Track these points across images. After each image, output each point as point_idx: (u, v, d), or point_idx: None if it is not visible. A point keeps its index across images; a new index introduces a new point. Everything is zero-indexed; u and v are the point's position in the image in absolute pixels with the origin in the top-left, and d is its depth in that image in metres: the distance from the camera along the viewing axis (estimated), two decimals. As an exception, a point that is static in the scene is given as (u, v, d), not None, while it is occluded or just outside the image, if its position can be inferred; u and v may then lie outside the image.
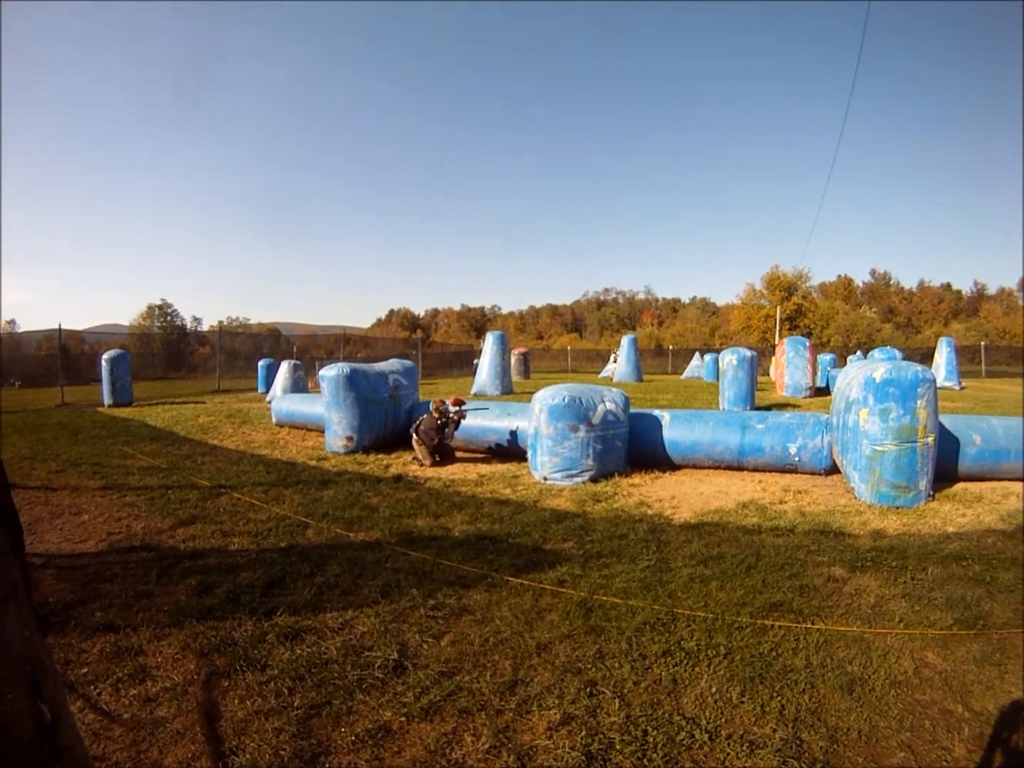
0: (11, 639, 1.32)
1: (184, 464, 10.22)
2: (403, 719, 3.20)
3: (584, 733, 3.04)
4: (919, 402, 7.06)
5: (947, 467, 8.13)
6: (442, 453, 10.31)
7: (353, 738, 3.04)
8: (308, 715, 3.24)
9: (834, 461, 8.73)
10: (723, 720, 3.16)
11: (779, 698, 3.33)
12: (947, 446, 8.09)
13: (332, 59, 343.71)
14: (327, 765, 2.87)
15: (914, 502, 7.17)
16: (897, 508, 7.07)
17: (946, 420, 8.28)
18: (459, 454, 10.75)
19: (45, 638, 4.03)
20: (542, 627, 4.20)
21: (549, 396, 8.89)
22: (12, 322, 76.58)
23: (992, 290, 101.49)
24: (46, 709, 1.36)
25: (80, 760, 1.52)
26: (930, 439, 7.14)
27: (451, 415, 10.19)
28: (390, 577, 5.12)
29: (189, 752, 2.99)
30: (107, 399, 21.61)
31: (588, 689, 3.43)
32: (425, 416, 10.40)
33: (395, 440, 11.78)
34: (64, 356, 31.05)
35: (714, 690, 3.41)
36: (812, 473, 8.99)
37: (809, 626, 4.17)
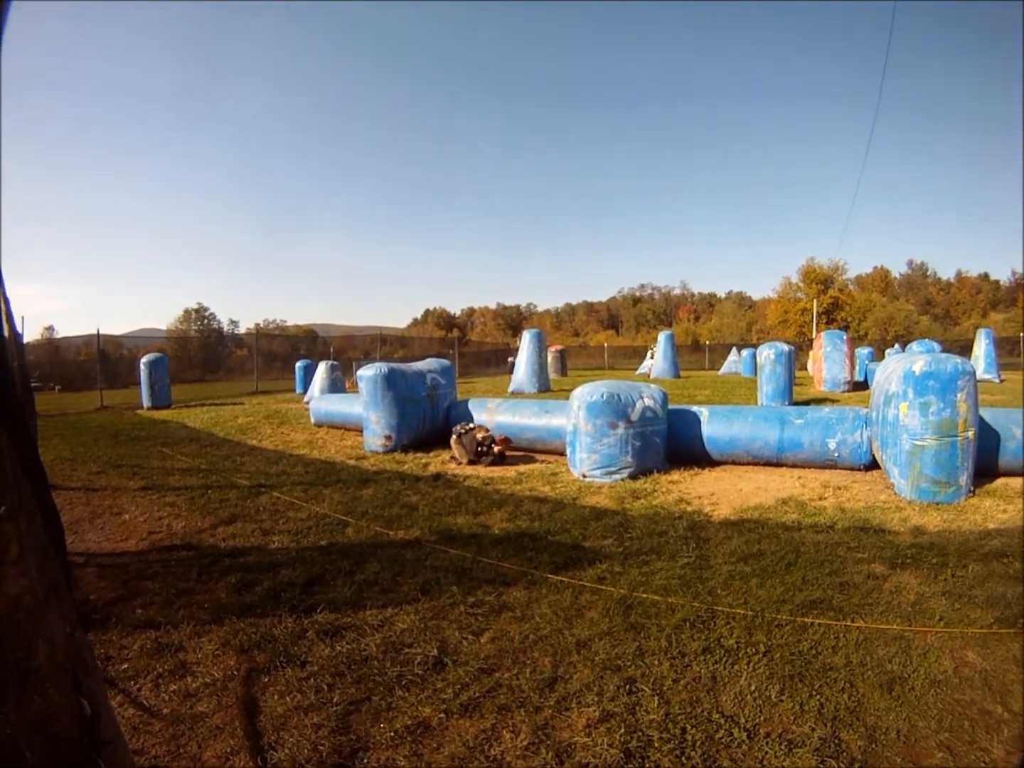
0: (53, 636, 1.35)
1: (223, 464, 10.34)
2: (442, 715, 3.20)
3: (623, 730, 3.03)
4: (959, 395, 6.96)
5: (987, 462, 7.97)
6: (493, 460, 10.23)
7: (392, 734, 3.05)
8: (347, 711, 3.25)
9: (874, 456, 8.63)
10: (762, 718, 3.14)
11: (818, 696, 3.30)
12: (987, 440, 7.94)
13: (359, 54, 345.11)
14: (366, 760, 2.88)
15: (954, 498, 7.07)
16: (937, 504, 6.97)
17: (986, 414, 8.13)
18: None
19: (86, 635, 4.08)
20: (582, 624, 4.19)
21: (587, 393, 8.88)
22: (51, 328, 77.69)
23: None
24: (86, 704, 1.39)
25: (120, 754, 1.55)
26: (970, 433, 7.04)
27: (492, 449, 10.09)
28: (430, 575, 5.14)
29: (228, 747, 3.01)
30: (146, 402, 21.93)
31: (627, 686, 3.41)
32: (474, 427, 10.38)
33: (433, 439, 11.81)
34: (103, 360, 31.48)
35: (753, 688, 3.38)
36: (852, 469, 8.90)
37: (849, 624, 4.12)
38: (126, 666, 3.81)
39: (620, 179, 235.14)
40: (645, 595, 4.62)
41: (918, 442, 7.10)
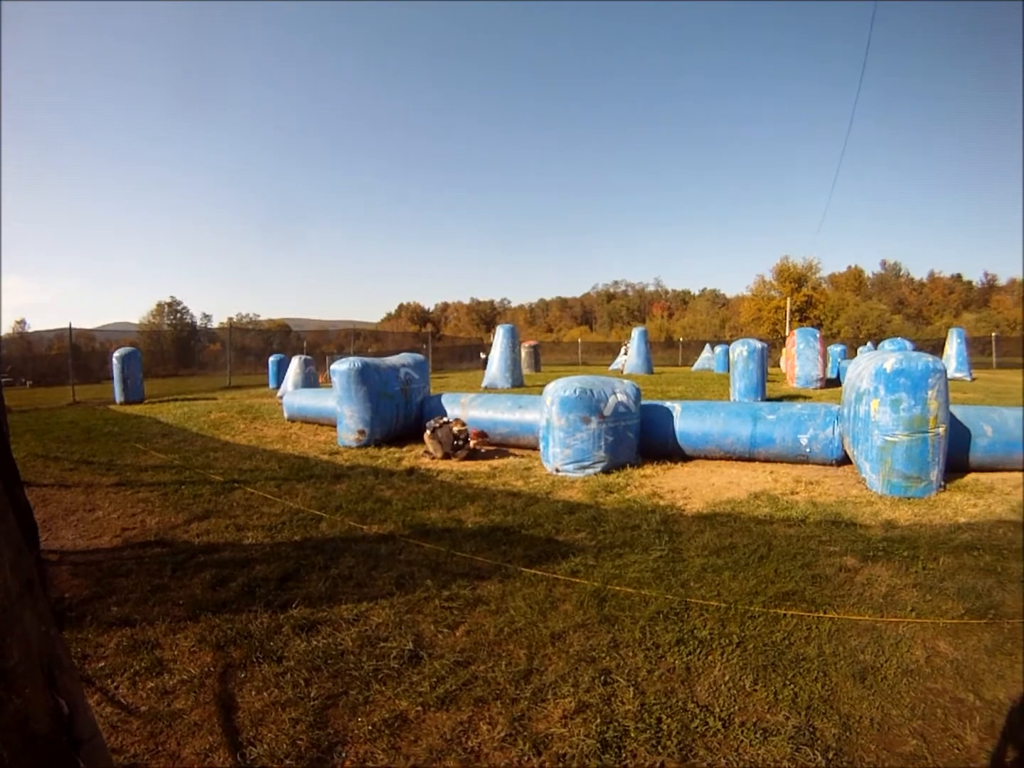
0: (28, 634, 1.36)
1: (197, 460, 10.26)
2: (419, 708, 3.22)
3: (599, 721, 3.06)
4: (930, 392, 7.05)
5: (958, 458, 8.09)
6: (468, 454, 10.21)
7: (370, 728, 3.07)
8: (325, 705, 3.27)
9: (845, 452, 8.72)
10: (736, 708, 3.18)
11: (792, 686, 3.35)
12: (958, 437, 8.06)
13: (334, 51, 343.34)
14: (344, 754, 2.90)
15: (925, 492, 7.16)
16: (908, 498, 7.06)
17: (957, 411, 8.24)
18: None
19: (61, 633, 4.06)
20: (556, 617, 4.22)
21: (561, 388, 8.91)
22: (22, 322, 76.80)
23: (1003, 281, 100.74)
24: (64, 703, 1.40)
25: (98, 752, 1.56)
26: (941, 429, 7.13)
27: (467, 443, 10.08)
28: (404, 569, 5.15)
29: (207, 743, 3.01)
30: (118, 397, 21.69)
31: (602, 678, 3.45)
32: (448, 422, 10.39)
33: (407, 433, 11.79)
34: (75, 355, 31.18)
35: (727, 678, 3.43)
36: (823, 464, 8.98)
37: (821, 615, 4.18)
38: (102, 664, 3.79)
39: (595, 175, 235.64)
40: (619, 588, 4.65)
41: (889, 438, 7.19)
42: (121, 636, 4.12)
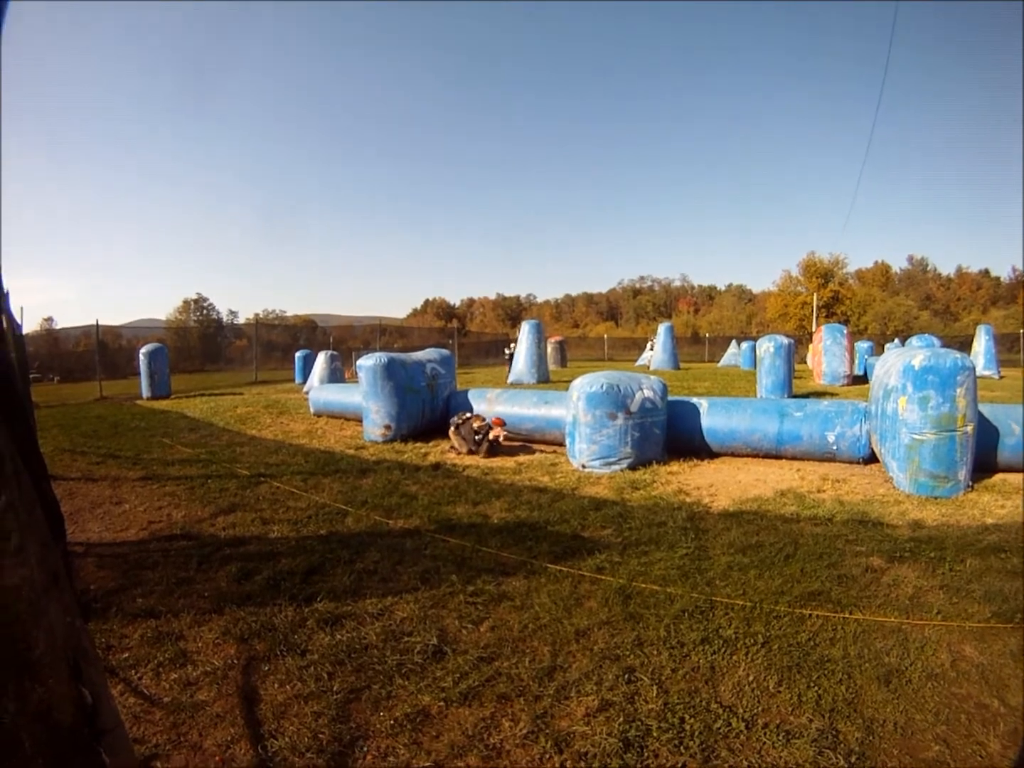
0: (53, 626, 1.36)
1: (223, 454, 10.34)
2: (441, 704, 3.21)
3: (622, 720, 3.05)
4: (958, 390, 6.97)
5: (986, 457, 7.97)
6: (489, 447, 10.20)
7: (392, 722, 3.07)
8: (347, 699, 3.27)
9: (872, 450, 8.65)
10: (760, 709, 3.15)
11: (816, 688, 3.31)
12: (986, 436, 7.95)
13: (361, 45, 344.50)
14: (365, 749, 2.90)
15: (953, 492, 7.08)
16: (936, 498, 6.99)
17: (985, 409, 8.12)
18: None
19: (87, 624, 4.10)
20: (581, 614, 4.21)
21: (587, 384, 8.90)
22: (50, 319, 77.39)
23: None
24: (87, 693, 1.40)
25: (120, 742, 1.56)
26: (969, 428, 7.05)
27: (488, 437, 10.06)
28: (429, 564, 5.16)
29: (228, 735, 3.03)
30: (145, 392, 21.88)
31: (626, 676, 3.43)
32: (470, 417, 10.41)
33: (433, 428, 11.81)
34: (102, 351, 31.38)
35: (751, 679, 3.40)
36: (850, 462, 8.91)
37: (847, 616, 4.14)
38: (127, 655, 3.82)
39: (621, 171, 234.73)
40: (644, 585, 4.63)
41: (917, 436, 7.11)
42: (146, 627, 4.15)
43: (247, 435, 12.52)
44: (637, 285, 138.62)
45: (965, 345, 33.61)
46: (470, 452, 10.02)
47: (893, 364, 7.74)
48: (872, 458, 8.74)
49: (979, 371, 25.29)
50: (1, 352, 1.89)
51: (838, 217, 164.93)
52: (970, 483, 7.30)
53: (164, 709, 3.25)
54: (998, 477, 7.85)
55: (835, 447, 8.85)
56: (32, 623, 1.28)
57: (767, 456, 9.39)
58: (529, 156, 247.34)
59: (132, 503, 7.39)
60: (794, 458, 9.24)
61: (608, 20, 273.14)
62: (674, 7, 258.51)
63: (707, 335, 67.26)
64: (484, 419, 10.32)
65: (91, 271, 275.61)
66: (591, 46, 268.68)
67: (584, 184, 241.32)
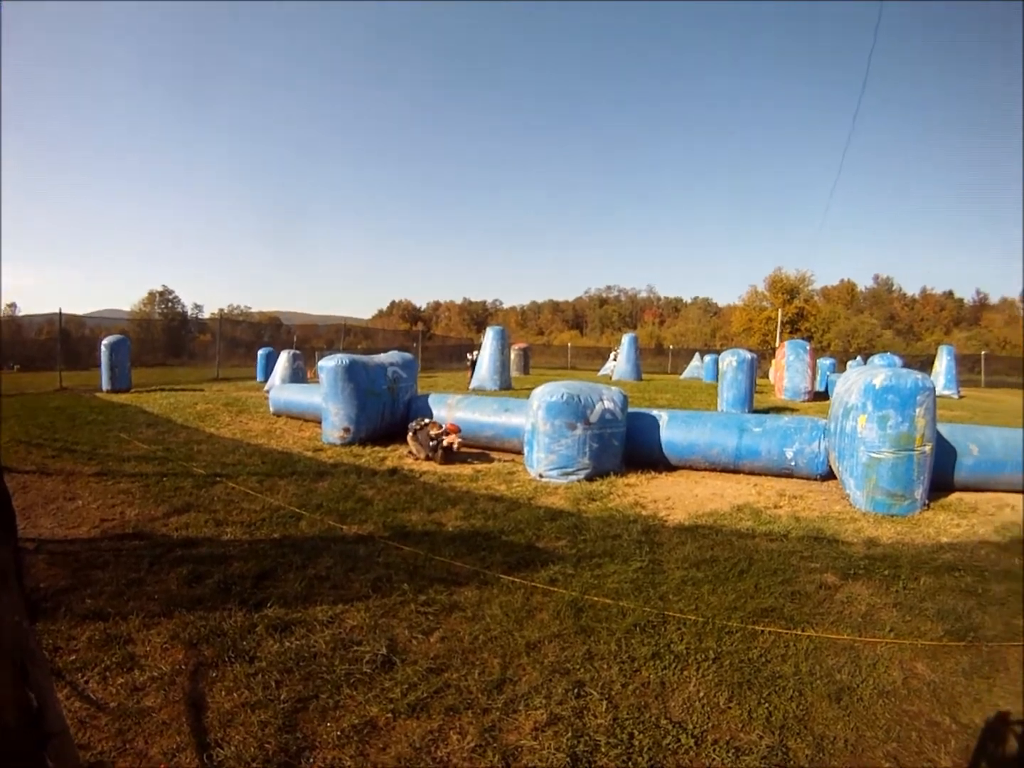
0: (0, 626, 1.33)
1: (180, 451, 10.20)
2: (389, 715, 3.19)
3: (570, 734, 3.04)
4: (918, 410, 7.06)
5: (943, 477, 8.09)
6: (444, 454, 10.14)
7: (339, 733, 3.04)
8: (295, 709, 3.24)
9: (830, 467, 8.73)
10: (710, 725, 3.16)
11: (767, 704, 3.33)
12: (944, 455, 8.06)
13: (336, 53, 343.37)
14: (312, 760, 2.87)
15: (909, 511, 7.17)
16: (892, 516, 7.08)
17: (944, 429, 8.26)
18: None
19: (35, 624, 4.06)
20: (532, 626, 4.20)
21: (547, 393, 8.90)
22: (13, 305, 76.20)
23: (994, 300, 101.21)
24: (33, 696, 1.37)
25: (65, 747, 1.53)
26: (927, 448, 7.13)
27: (442, 442, 9.99)
28: (382, 571, 5.12)
29: (174, 743, 2.98)
30: (106, 384, 21.55)
31: (576, 690, 3.43)
32: (428, 422, 10.38)
33: (392, 432, 11.73)
34: (64, 340, 30.97)
35: (702, 695, 3.41)
36: (808, 478, 8.99)
37: (799, 633, 4.17)
38: (74, 657, 3.76)
39: (590, 180, 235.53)
40: (597, 598, 4.64)
41: (875, 455, 7.20)
42: (94, 630, 4.08)
43: (205, 433, 12.38)
44: (604, 295, 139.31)
45: (927, 364, 34.30)
46: (428, 458, 9.97)
47: (854, 383, 7.83)
48: (830, 475, 8.83)
49: (939, 390, 25.71)
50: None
51: (806, 234, 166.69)
52: (927, 502, 7.40)
53: (110, 715, 3.20)
54: (954, 496, 7.97)
55: (793, 463, 8.92)
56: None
57: (725, 470, 9.45)
58: (500, 162, 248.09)
59: (86, 499, 7.28)
60: (752, 473, 9.30)
61: (584, 27, 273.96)
62: (646, 9, 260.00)
63: (671, 347, 67.73)
64: (441, 425, 10.30)
65: (57, 260, 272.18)
66: (563, 48, 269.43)
67: (553, 192, 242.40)
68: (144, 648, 3.89)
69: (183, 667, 3.67)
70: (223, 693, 3.39)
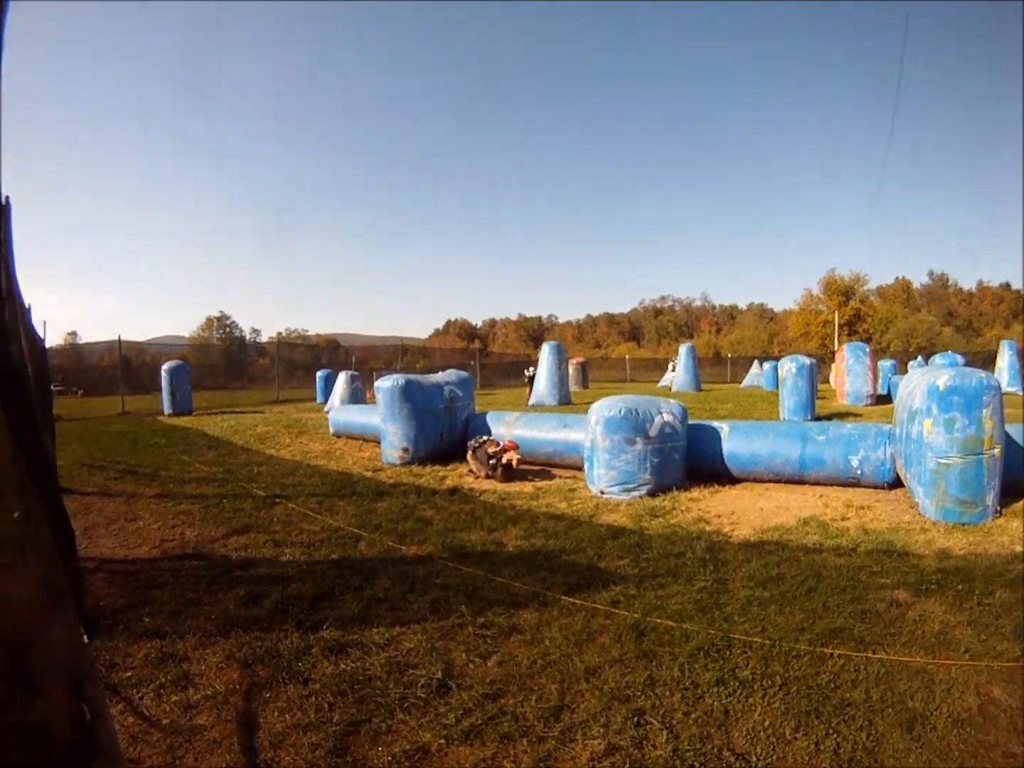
0: (54, 643, 1.38)
1: (240, 473, 10.35)
2: (442, 741, 3.12)
3: (628, 766, 2.93)
4: (985, 411, 6.81)
5: (1014, 480, 7.68)
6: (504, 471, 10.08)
7: (389, 758, 2.99)
8: (346, 732, 3.20)
9: (897, 474, 8.48)
10: (774, 758, 3.01)
11: (835, 735, 3.17)
12: (1013, 458, 7.65)
13: (388, 64, 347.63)
14: (361, 785, 2.82)
15: (981, 519, 6.91)
16: (963, 525, 6.81)
17: (1012, 429, 7.92)
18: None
19: (93, 641, 4.20)
20: (592, 650, 4.10)
21: (605, 408, 8.80)
22: (74, 334, 78.21)
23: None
24: (87, 710, 1.41)
25: (115, 762, 1.61)
26: (996, 450, 6.89)
27: (501, 460, 9.93)
28: (440, 593, 5.07)
29: (224, 761, 2.99)
30: (167, 408, 22.13)
31: (635, 718, 3.31)
32: (486, 440, 10.35)
33: (451, 451, 11.69)
34: (125, 367, 31.76)
35: (767, 724, 3.27)
36: (875, 487, 8.74)
37: (870, 655, 3.99)
38: (130, 674, 3.82)
39: (641, 190, 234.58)
40: (659, 620, 4.50)
41: (943, 460, 6.96)
42: (151, 647, 4.14)
43: (265, 454, 12.55)
44: (658, 305, 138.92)
45: (988, 361, 33.41)
46: (488, 476, 9.93)
47: (917, 384, 7.60)
48: (897, 483, 8.57)
49: (1003, 388, 24.97)
50: (14, 372, 1.88)
51: (858, 235, 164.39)
52: (998, 508, 7.11)
53: (162, 731, 3.23)
54: (1026, 501, 7.65)
55: (859, 472, 8.69)
56: (34, 639, 1.30)
57: (790, 481, 9.23)
58: (551, 176, 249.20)
59: (146, 520, 7.41)
60: (817, 483, 9.07)
61: (628, 31, 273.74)
62: (696, 9, 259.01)
63: (729, 355, 67.03)
64: (499, 443, 10.25)
65: (115, 288, 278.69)
66: (611, 61, 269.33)
67: (605, 204, 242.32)
68: (199, 667, 3.92)
69: (237, 687, 3.68)
70: (275, 714, 3.38)
